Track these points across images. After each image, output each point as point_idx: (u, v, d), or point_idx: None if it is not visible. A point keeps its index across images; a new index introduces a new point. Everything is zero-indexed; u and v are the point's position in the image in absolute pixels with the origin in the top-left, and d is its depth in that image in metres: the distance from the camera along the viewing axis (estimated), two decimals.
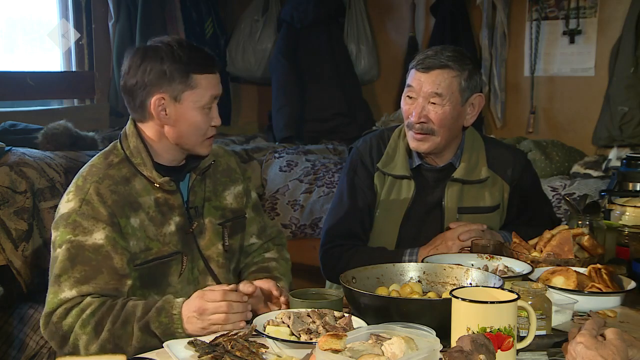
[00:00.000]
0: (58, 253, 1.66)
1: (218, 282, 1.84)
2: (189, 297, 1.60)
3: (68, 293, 1.63)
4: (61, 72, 4.47)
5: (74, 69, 4.50)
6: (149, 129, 1.76)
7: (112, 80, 4.59)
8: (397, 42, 4.97)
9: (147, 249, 1.72)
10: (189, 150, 1.79)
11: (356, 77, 4.88)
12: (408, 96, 2.10)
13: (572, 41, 4.20)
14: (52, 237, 1.70)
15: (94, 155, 1.75)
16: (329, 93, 4.73)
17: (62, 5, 4.44)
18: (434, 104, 2.05)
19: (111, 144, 1.82)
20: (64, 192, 1.75)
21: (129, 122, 1.80)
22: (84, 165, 1.82)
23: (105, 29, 4.56)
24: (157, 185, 1.75)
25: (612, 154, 3.77)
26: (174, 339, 1.48)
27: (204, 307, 1.52)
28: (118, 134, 1.84)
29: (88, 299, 1.63)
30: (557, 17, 4.25)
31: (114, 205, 1.68)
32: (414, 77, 2.08)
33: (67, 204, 1.69)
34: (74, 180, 1.74)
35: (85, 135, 3.35)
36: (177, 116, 1.72)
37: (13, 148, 2.97)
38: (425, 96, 2.06)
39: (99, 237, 1.65)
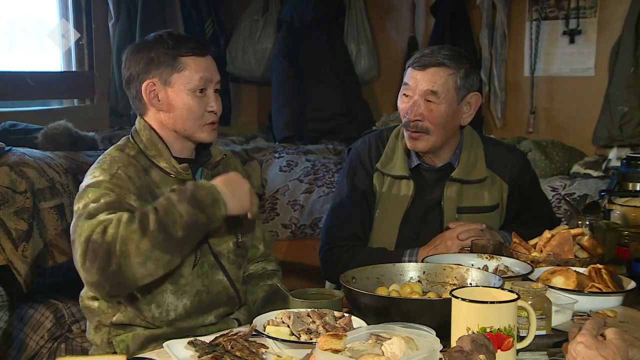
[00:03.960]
0: (90, 197, 1.63)
1: (229, 278, 1.86)
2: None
3: (102, 217, 1.58)
4: (61, 72, 4.47)
5: (74, 69, 4.50)
6: (151, 119, 1.79)
7: (112, 80, 4.59)
8: (397, 42, 4.97)
9: None
10: (189, 137, 1.80)
11: (356, 77, 4.88)
12: (404, 94, 2.11)
13: (572, 41, 4.19)
14: (78, 204, 1.65)
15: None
16: (329, 93, 4.73)
17: (62, 5, 4.44)
18: (429, 101, 2.05)
19: (122, 140, 1.84)
20: (78, 187, 1.73)
21: (138, 118, 1.83)
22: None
23: (105, 29, 4.57)
24: (173, 176, 1.77)
25: (612, 154, 3.77)
26: (218, 208, 1.60)
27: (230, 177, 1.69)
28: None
29: (118, 214, 1.58)
30: (557, 17, 4.25)
31: (140, 189, 1.70)
32: (410, 76, 2.09)
33: (94, 178, 1.68)
34: (96, 167, 1.72)
35: (85, 135, 3.34)
36: (169, 100, 1.75)
37: (13, 148, 2.96)
38: (421, 94, 2.06)
39: (131, 200, 1.65)
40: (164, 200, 1.61)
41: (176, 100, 1.75)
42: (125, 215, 1.56)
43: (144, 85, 1.75)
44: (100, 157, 1.78)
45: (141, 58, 1.75)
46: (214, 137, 1.83)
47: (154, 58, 1.74)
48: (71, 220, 1.67)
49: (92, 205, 1.62)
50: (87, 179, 1.71)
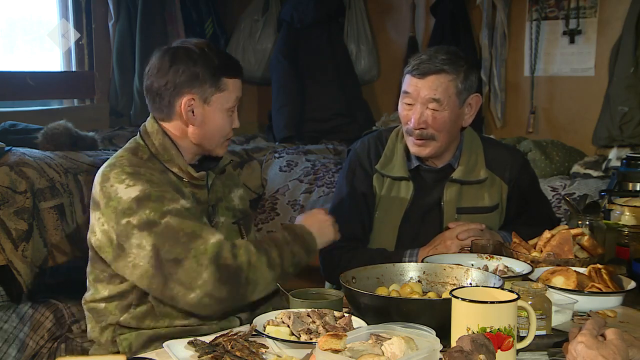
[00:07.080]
0: (166, 222, 1.63)
1: None
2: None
3: (213, 238, 1.65)
4: (61, 72, 4.47)
5: (74, 69, 4.50)
6: (173, 127, 1.78)
7: (112, 80, 4.59)
8: (397, 42, 4.97)
9: None
10: (208, 152, 1.83)
11: (356, 77, 4.88)
12: (406, 102, 2.10)
13: (572, 41, 4.19)
14: (137, 220, 1.64)
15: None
16: (329, 93, 4.73)
17: (62, 5, 4.44)
18: (432, 109, 2.05)
19: (131, 142, 1.81)
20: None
21: (149, 120, 1.81)
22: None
23: (105, 29, 4.57)
24: (186, 180, 1.77)
25: (612, 154, 3.77)
26: (314, 252, 1.83)
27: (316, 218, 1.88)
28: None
29: (242, 241, 1.74)
30: (557, 17, 4.25)
31: (170, 188, 1.71)
32: (410, 83, 2.07)
33: (130, 188, 1.66)
34: (117, 171, 1.70)
35: (85, 135, 3.34)
36: (204, 117, 1.76)
37: (13, 148, 2.96)
38: (423, 102, 2.05)
39: (182, 203, 1.69)
40: (281, 237, 1.77)
41: (211, 118, 1.77)
42: (251, 245, 1.70)
43: (184, 99, 1.73)
44: (112, 158, 1.76)
45: (183, 70, 1.72)
46: (225, 151, 1.88)
47: (199, 74, 1.72)
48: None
49: (175, 224, 1.64)
50: (121, 186, 1.67)
